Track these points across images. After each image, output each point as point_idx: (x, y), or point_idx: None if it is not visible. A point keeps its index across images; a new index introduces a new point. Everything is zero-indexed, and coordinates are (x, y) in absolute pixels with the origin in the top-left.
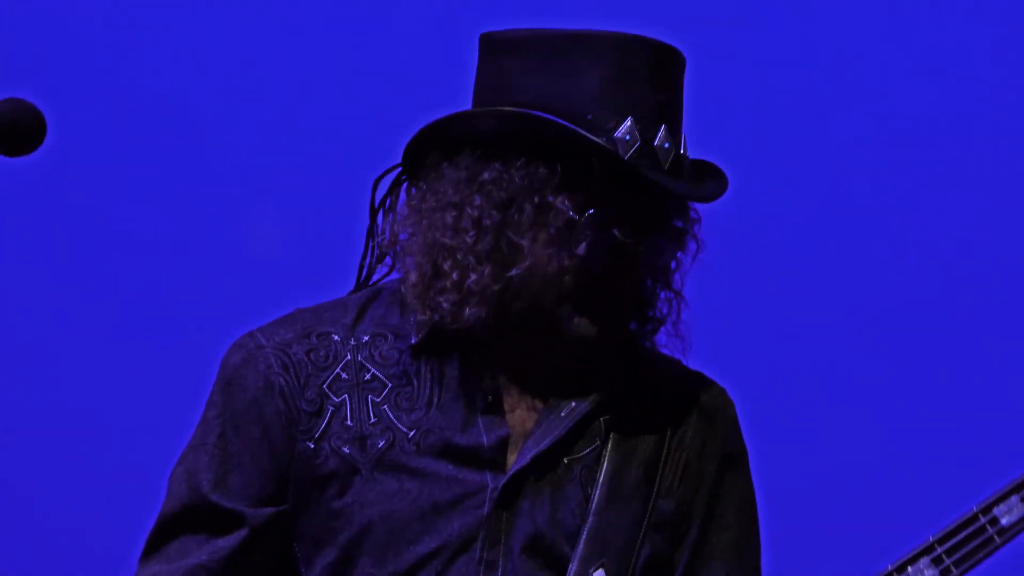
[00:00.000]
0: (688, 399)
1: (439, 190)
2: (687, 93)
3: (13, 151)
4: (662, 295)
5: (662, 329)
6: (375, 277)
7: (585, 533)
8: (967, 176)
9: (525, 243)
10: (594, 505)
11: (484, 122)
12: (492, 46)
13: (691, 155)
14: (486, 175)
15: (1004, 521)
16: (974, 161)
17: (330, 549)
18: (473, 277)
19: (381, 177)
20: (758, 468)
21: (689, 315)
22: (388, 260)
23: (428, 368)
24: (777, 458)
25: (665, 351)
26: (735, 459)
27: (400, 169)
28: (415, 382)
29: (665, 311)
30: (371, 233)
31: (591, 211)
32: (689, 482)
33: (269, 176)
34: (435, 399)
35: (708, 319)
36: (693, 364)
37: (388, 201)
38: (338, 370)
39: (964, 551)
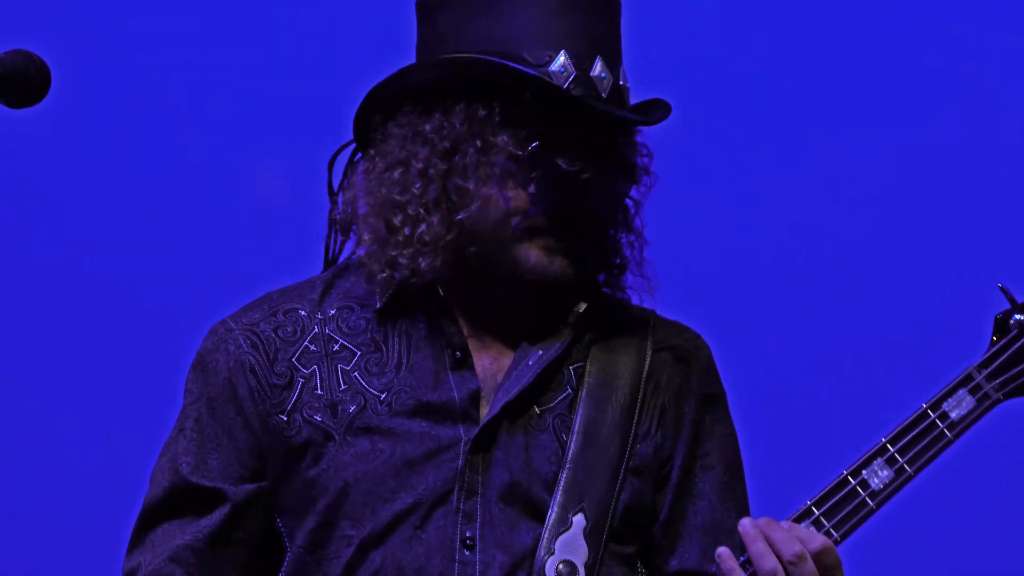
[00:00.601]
0: (662, 344)
1: (386, 151)
2: (635, 43)
3: (17, 102)
4: (623, 239)
5: (628, 272)
6: (345, 254)
7: (562, 480)
8: (943, 140)
9: (472, 186)
10: (570, 452)
11: (419, 75)
12: (426, 6)
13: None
14: (427, 127)
15: (954, 415)
16: (956, 118)
17: (310, 517)
18: (423, 227)
19: (335, 156)
20: (733, 408)
21: (655, 258)
22: (353, 234)
23: (395, 332)
24: (752, 397)
25: (632, 292)
26: (714, 399)
27: (354, 144)
28: (383, 348)
29: (628, 253)
30: (333, 212)
31: (533, 144)
32: (668, 424)
33: (242, 170)
34: (404, 361)
35: (678, 265)
36: (663, 311)
37: (346, 181)
38: (306, 343)
39: (917, 448)
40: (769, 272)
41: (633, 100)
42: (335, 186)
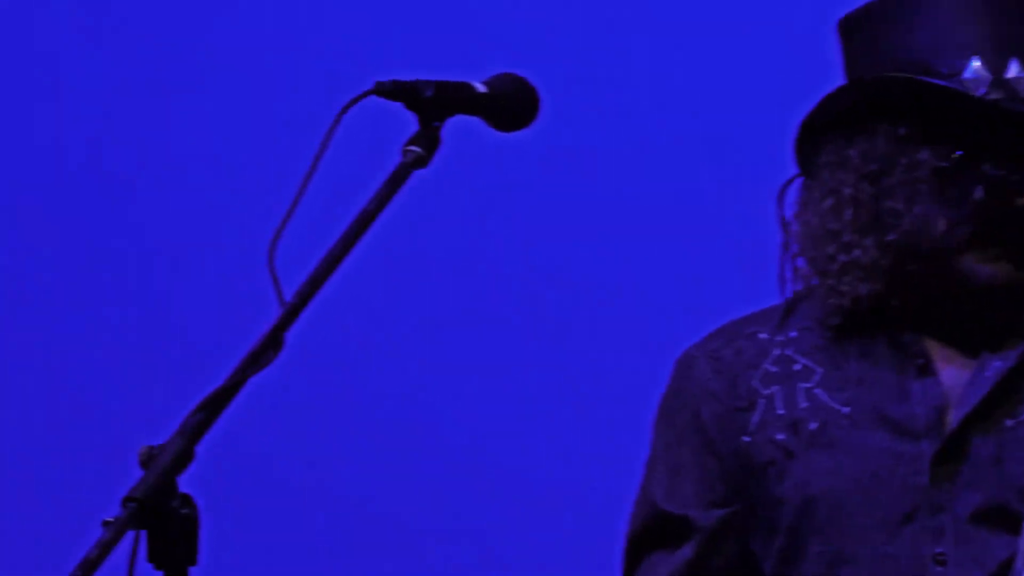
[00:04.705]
0: None
1: (819, 181)
2: None
3: (506, 126)
4: None
5: None
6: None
7: None
8: None
9: (901, 206)
10: None
11: (834, 103)
12: (844, 26)
13: None
14: (853, 152)
15: None
16: None
17: (778, 537)
18: (858, 253)
19: (784, 188)
20: None
21: None
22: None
23: (854, 348)
24: None
25: None
26: None
27: (800, 176)
28: (844, 364)
29: None
30: (786, 242)
31: (957, 153)
32: None
33: None
34: (865, 376)
35: None
36: None
37: (791, 212)
38: (766, 365)
39: None
40: None
41: None
42: (785, 218)
